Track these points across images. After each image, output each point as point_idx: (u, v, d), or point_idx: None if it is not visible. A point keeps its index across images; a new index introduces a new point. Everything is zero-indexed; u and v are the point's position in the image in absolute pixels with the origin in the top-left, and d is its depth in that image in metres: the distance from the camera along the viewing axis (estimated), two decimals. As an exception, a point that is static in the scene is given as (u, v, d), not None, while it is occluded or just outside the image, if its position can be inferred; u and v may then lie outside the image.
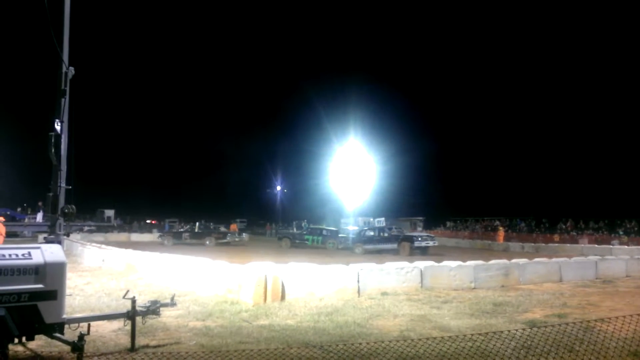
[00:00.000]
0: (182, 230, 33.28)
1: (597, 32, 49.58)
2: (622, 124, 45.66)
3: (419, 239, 26.30)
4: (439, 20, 60.34)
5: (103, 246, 19.81)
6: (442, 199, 49.74)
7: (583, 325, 8.35)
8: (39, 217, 34.41)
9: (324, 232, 30.65)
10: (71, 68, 7.99)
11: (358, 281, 11.51)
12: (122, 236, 36.46)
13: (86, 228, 35.30)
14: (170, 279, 12.60)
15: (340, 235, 30.26)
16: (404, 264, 12.77)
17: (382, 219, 35.44)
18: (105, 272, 15.11)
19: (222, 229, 34.59)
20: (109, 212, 42.63)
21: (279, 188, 57.89)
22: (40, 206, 35.01)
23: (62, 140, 7.46)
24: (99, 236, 33.59)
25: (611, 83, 48.03)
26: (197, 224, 32.99)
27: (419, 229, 41.95)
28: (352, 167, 44.07)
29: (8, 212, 33.86)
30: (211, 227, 33.56)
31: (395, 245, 25.97)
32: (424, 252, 25.30)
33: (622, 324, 8.33)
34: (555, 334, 7.78)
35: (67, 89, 7.91)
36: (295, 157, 57.97)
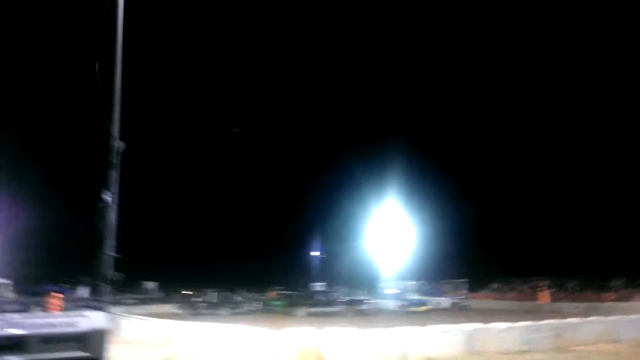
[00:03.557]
0: (199, 300, 33.36)
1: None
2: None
3: (364, 302, 28.03)
4: (471, 85, 61.37)
5: (142, 317, 19.91)
6: (485, 260, 48.10)
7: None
8: (83, 291, 35.01)
9: (293, 297, 31.06)
10: (122, 143, 8.45)
11: (402, 346, 11.09)
12: (164, 308, 36.45)
13: (129, 301, 35.60)
14: (210, 349, 12.45)
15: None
16: (450, 326, 12.30)
17: (324, 282, 35.58)
18: (144, 344, 15.07)
19: (238, 298, 34.61)
20: (150, 284, 43.02)
21: (317, 253, 57.60)
22: (84, 280, 35.74)
23: (111, 211, 7.78)
24: (141, 309, 33.68)
25: None
26: (213, 294, 33.34)
27: (462, 291, 40.51)
28: (391, 230, 43.64)
29: (57, 290, 34.63)
30: (227, 297, 33.99)
31: (340, 308, 26.70)
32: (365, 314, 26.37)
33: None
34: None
35: (118, 162, 8.33)
36: (334, 221, 57.92)
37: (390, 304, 30.14)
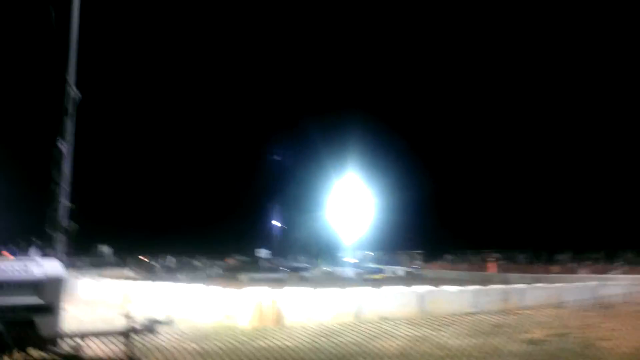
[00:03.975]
0: (156, 264, 33.18)
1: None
2: (620, 157, 46.06)
3: (305, 269, 29.61)
4: (433, 59, 61.79)
5: (98, 278, 19.62)
6: (440, 232, 49.58)
7: (583, 343, 8.31)
8: (33, 252, 34.05)
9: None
10: (78, 92, 8.15)
11: (356, 305, 11.42)
12: (117, 272, 35.93)
13: (80, 263, 34.82)
14: (168, 308, 12.43)
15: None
16: (403, 288, 12.72)
17: (269, 251, 36.12)
18: (100, 303, 14.91)
19: (197, 263, 34.64)
20: (104, 248, 42.18)
21: (277, 223, 57.81)
22: (35, 241, 34.59)
23: (66, 161, 7.56)
24: (94, 272, 33.09)
25: (602, 115, 48.81)
26: (172, 258, 33.25)
27: (417, 262, 41.71)
28: (351, 202, 44.19)
29: (7, 250, 33.46)
30: (186, 262, 34.01)
31: (281, 275, 27.94)
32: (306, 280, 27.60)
33: (623, 341, 8.31)
34: (557, 351, 7.74)
35: (74, 112, 8.06)
36: (294, 190, 57.98)
37: (349, 272, 30.84)
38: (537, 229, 46.14)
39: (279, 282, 25.51)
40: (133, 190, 59.16)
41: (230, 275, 29.10)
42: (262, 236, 54.63)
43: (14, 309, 5.52)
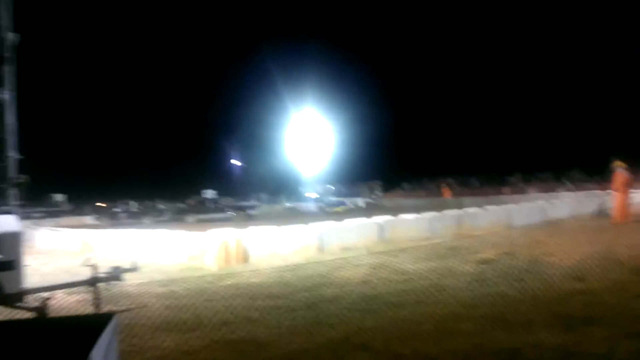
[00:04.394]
0: (118, 210, 32.73)
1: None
2: (560, 81, 47.50)
3: (252, 207, 29.55)
4: None
5: (55, 228, 19.26)
6: (398, 162, 50.78)
7: (530, 259, 8.95)
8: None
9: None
10: (15, 34, 7.60)
11: (319, 239, 11.78)
12: (74, 221, 35.29)
13: (36, 215, 33.93)
14: (130, 253, 12.45)
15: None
16: (363, 220, 13.14)
17: (212, 190, 36.84)
18: (60, 253, 14.75)
19: (161, 206, 34.40)
20: (58, 197, 41.08)
21: (234, 162, 57.41)
22: None
23: (9, 108, 7.17)
24: (50, 222, 32.42)
25: (550, 43, 49.64)
26: (134, 203, 32.84)
27: (377, 192, 42.83)
28: (310, 135, 44.18)
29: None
30: (150, 205, 33.68)
31: (228, 214, 28.10)
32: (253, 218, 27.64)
33: (567, 256, 8.99)
34: (506, 268, 8.32)
35: (13, 55, 7.54)
36: (251, 127, 57.31)
37: (311, 206, 31.43)
38: (488, 152, 47.92)
39: (225, 222, 25.82)
40: (84, 135, 56.96)
41: (179, 218, 29.15)
42: (218, 176, 54.35)
43: (-28, 268, 5.42)
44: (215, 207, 29.12)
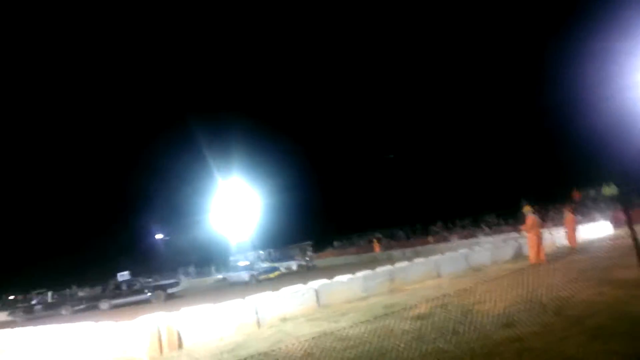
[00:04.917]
0: (33, 302, 30.06)
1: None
2: (477, 127, 51.26)
3: (171, 286, 27.72)
4: (313, 56, 63.59)
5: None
6: (326, 222, 51.44)
7: (462, 309, 9.31)
8: None
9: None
10: None
11: (256, 312, 11.52)
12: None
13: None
14: (51, 356, 11.40)
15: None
16: (299, 287, 13.05)
17: (127, 272, 35.56)
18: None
19: (80, 294, 32.13)
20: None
21: (158, 237, 55.27)
22: None
23: None
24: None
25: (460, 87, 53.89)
26: (50, 293, 30.40)
27: (309, 252, 42.79)
28: (236, 203, 43.86)
29: None
30: (68, 293, 31.23)
31: (147, 296, 26.42)
32: (174, 297, 26.65)
33: (494, 303, 9.46)
34: (441, 321, 8.58)
35: None
36: (174, 198, 55.82)
37: (243, 276, 30.61)
38: (411, 204, 49.96)
39: (144, 305, 24.54)
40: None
41: (92, 305, 27.25)
42: (138, 253, 51.92)
43: None
44: (130, 290, 27.11)
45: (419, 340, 7.40)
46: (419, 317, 9.28)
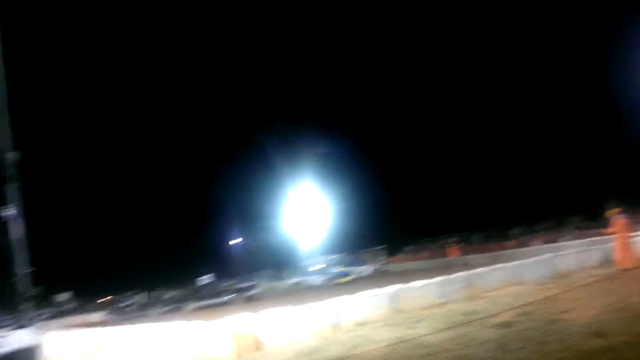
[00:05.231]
0: (126, 304, 32.27)
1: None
2: (560, 128, 48.61)
3: (250, 289, 28.86)
4: (380, 66, 63.61)
5: (63, 331, 18.83)
6: (398, 227, 50.84)
7: (548, 318, 8.88)
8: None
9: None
10: (15, 152, 7.98)
11: (333, 316, 11.63)
12: (81, 319, 34.67)
13: (42, 316, 33.30)
14: (140, 353, 12.18)
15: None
16: (375, 291, 13.03)
17: (208, 275, 37.25)
18: (70, 357, 14.37)
19: (168, 295, 34.08)
20: (64, 296, 40.61)
21: (236, 242, 57.29)
22: None
23: (17, 224, 7.40)
24: (57, 322, 31.82)
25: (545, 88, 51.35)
26: (140, 295, 32.52)
27: (381, 258, 42.50)
28: (308, 208, 44.58)
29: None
30: (155, 295, 33.42)
31: (227, 298, 27.71)
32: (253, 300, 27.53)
33: (583, 311, 8.94)
34: (525, 330, 8.24)
35: (15, 172, 7.88)
36: (249, 205, 57.67)
37: (317, 280, 31.01)
38: (489, 207, 48.19)
39: (225, 306, 25.45)
40: (85, 230, 57.02)
41: (179, 307, 28.65)
42: (217, 259, 54.04)
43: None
44: (213, 292, 28.61)
45: (502, 350, 7.15)
46: (501, 326, 8.95)
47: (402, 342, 9.03)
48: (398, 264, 41.02)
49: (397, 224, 51.22)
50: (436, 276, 14.75)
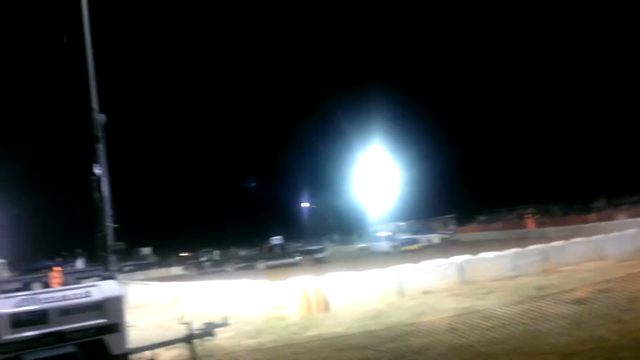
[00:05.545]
0: (203, 260, 34.10)
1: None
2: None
3: (319, 251, 29.14)
4: (457, 24, 60.48)
5: (146, 282, 20.37)
6: (470, 194, 49.20)
7: (628, 296, 8.35)
8: (79, 263, 35.30)
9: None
10: (102, 115, 8.46)
11: (398, 283, 11.66)
12: (162, 272, 37.26)
13: (126, 268, 36.13)
14: (216, 305, 12.93)
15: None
16: (442, 260, 12.87)
17: (279, 236, 37.33)
18: (152, 307, 15.56)
19: (240, 253, 35.59)
20: (146, 250, 43.62)
21: (304, 205, 58.40)
22: (80, 253, 35.93)
23: (103, 182, 7.91)
24: (140, 274, 34.44)
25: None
26: (215, 252, 34.17)
27: (451, 226, 41.66)
28: (378, 173, 44.23)
29: (50, 263, 34.73)
30: (231, 253, 34.98)
31: (296, 259, 28.17)
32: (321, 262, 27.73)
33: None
34: (603, 308, 7.82)
35: (101, 134, 8.38)
36: (319, 169, 58.32)
37: (383, 246, 31.04)
38: (569, 178, 45.40)
39: (294, 267, 26.20)
40: (164, 190, 60.53)
41: (250, 265, 29.82)
42: (288, 220, 55.41)
43: (83, 330, 5.90)
44: (283, 252, 29.58)
45: (577, 327, 6.86)
46: (578, 302, 8.55)
47: (469, 312, 8.90)
48: (469, 233, 40.04)
49: (470, 192, 49.59)
50: (509, 248, 14.28)
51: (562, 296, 9.37)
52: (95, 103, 8.46)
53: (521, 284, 11.36)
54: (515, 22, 55.58)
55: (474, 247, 26.60)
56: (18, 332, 5.60)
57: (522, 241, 26.59)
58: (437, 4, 60.51)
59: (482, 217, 45.20)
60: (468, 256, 13.34)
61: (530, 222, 35.32)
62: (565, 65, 50.79)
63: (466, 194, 49.17)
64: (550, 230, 31.39)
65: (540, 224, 34.98)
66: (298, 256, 28.40)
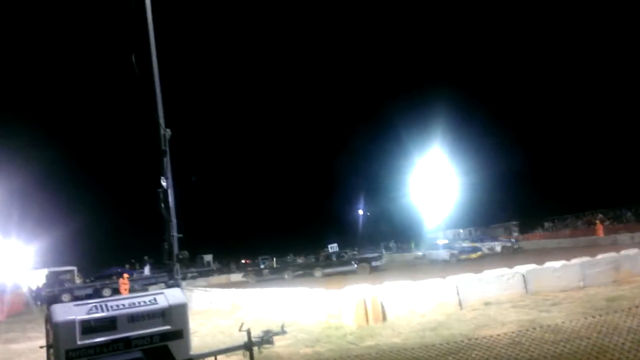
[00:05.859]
0: (262, 267, 34.82)
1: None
2: None
3: (375, 259, 28.68)
4: (523, 24, 58.77)
5: (208, 289, 21.03)
6: (534, 200, 47.14)
7: None
8: (146, 270, 37.01)
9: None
10: (168, 130, 8.91)
11: (458, 293, 11.38)
12: (222, 278, 38.41)
13: (189, 275, 37.54)
14: (274, 312, 13.19)
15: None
16: (504, 270, 12.44)
17: (335, 244, 37.68)
18: (213, 313, 16.06)
19: (298, 261, 36.02)
20: (208, 257, 45.11)
21: (360, 212, 58.29)
22: (147, 260, 37.69)
23: (170, 194, 8.30)
24: (202, 281, 35.68)
25: None
26: (274, 259, 34.84)
27: (514, 234, 40.14)
28: (435, 180, 43.44)
29: (119, 270, 36.62)
30: (289, 260, 35.38)
31: (353, 267, 27.69)
32: (377, 270, 27.50)
33: None
34: (682, 323, 7.30)
35: (167, 148, 8.81)
36: (376, 176, 58.18)
37: (443, 254, 30.38)
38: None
39: (350, 275, 26.10)
40: (226, 200, 62.43)
41: (307, 272, 30.00)
42: (344, 228, 55.45)
43: (149, 337, 6.20)
44: (339, 260, 29.62)
45: (652, 343, 6.43)
46: (653, 316, 8.01)
47: (533, 325, 8.56)
48: (533, 241, 38.41)
49: (535, 197, 47.53)
50: (577, 256, 13.57)
51: (634, 309, 8.81)
52: (161, 119, 8.94)
53: (590, 296, 10.79)
54: (585, 23, 53.16)
55: (539, 255, 25.53)
56: (89, 338, 5.98)
57: (591, 249, 25.21)
58: (504, 5, 59.00)
59: (547, 224, 43.24)
60: (532, 265, 12.82)
61: (599, 229, 33.41)
62: (635, 64, 47.88)
63: (530, 199, 47.24)
64: (622, 237, 29.56)
65: (610, 231, 33.02)
66: (354, 264, 28.32)
